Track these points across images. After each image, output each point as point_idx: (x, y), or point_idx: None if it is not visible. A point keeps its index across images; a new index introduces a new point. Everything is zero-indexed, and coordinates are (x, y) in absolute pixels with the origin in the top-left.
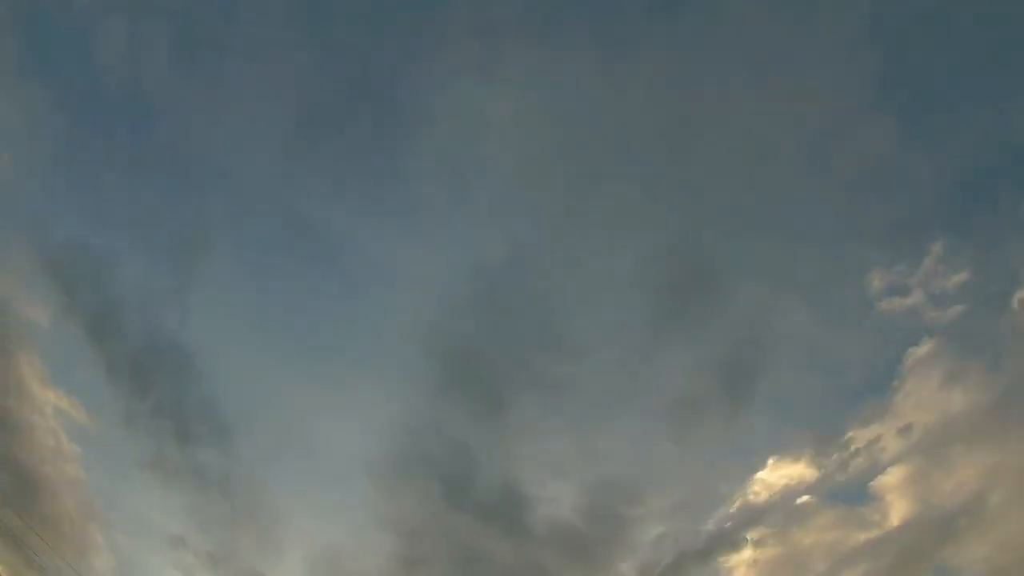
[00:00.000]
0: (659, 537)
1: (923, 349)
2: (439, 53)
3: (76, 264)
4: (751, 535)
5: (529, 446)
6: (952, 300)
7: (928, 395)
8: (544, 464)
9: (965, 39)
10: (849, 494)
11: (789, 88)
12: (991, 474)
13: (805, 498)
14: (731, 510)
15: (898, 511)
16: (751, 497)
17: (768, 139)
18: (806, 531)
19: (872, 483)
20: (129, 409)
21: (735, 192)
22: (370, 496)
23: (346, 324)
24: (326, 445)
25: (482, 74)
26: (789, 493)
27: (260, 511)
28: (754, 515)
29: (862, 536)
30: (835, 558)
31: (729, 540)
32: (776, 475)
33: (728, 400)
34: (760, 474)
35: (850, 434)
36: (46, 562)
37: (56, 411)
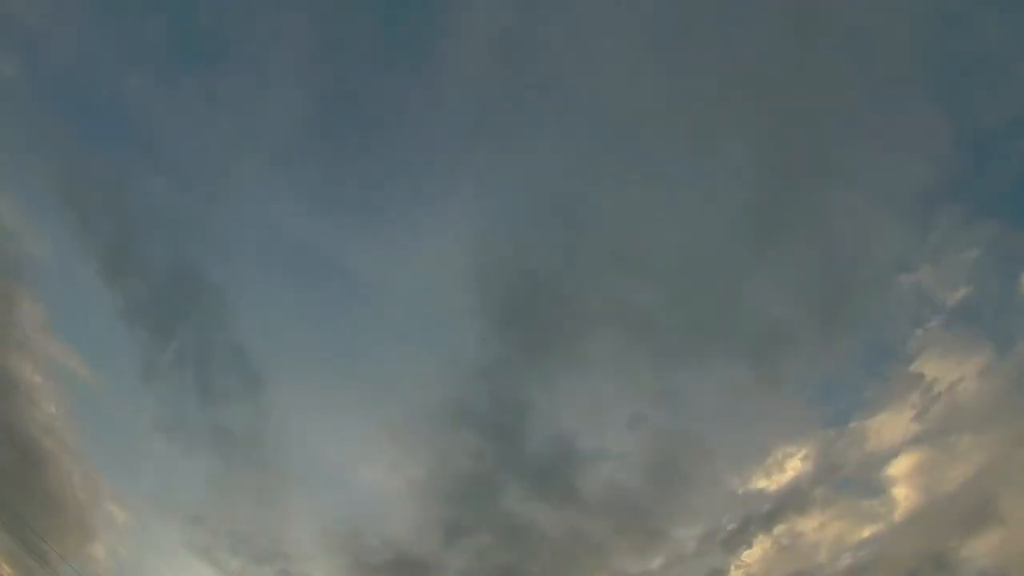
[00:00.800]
0: (727, 498)
1: None
2: None
3: (90, 184)
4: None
5: (588, 395)
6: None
7: None
8: (603, 415)
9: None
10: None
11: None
12: None
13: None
14: (810, 468)
15: None
16: (834, 453)
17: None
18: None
19: None
20: (146, 361)
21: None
22: (410, 457)
23: (391, 262)
24: (364, 400)
25: None
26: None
27: (288, 479)
28: (835, 474)
29: None
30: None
31: (806, 501)
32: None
33: (820, 337)
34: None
35: None
36: (48, 548)
37: (59, 368)
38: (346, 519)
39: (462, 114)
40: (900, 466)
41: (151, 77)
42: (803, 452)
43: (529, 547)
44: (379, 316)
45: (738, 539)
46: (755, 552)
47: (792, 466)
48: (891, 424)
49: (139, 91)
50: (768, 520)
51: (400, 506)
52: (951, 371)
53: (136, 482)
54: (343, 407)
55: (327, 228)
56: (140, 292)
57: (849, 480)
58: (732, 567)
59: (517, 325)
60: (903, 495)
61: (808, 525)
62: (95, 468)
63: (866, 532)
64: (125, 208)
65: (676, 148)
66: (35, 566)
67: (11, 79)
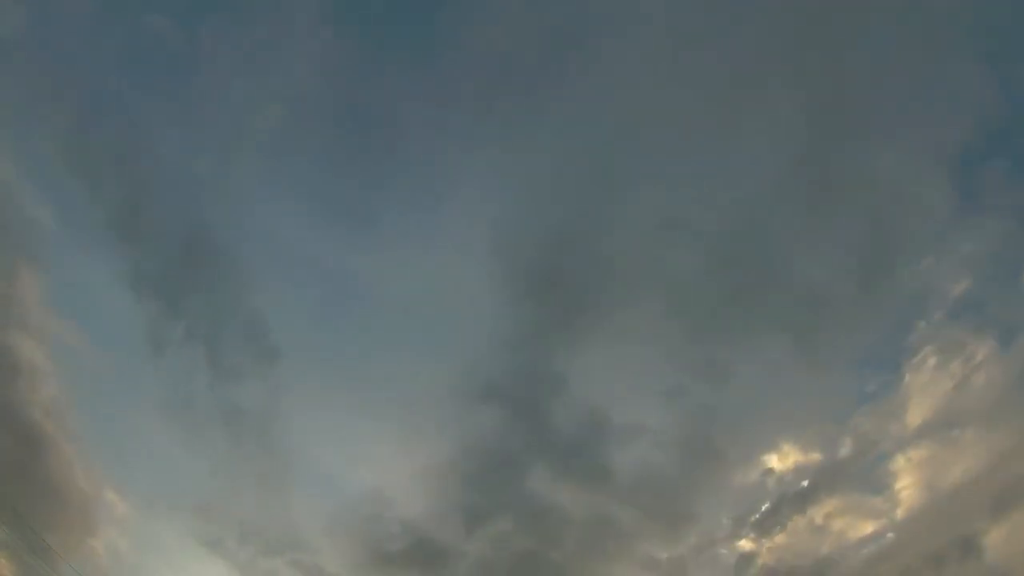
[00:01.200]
0: (761, 477)
1: None
2: None
3: (99, 143)
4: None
5: (620, 367)
6: None
7: None
8: (636, 388)
9: None
10: None
11: None
12: None
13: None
14: (846, 446)
15: None
16: (871, 427)
17: None
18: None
19: None
20: (154, 336)
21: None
22: (431, 436)
23: (413, 229)
24: (383, 377)
25: None
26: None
27: (301, 463)
28: (869, 453)
29: None
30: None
31: (839, 480)
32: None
33: (861, 306)
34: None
35: None
36: (48, 543)
37: (62, 346)
38: (362, 504)
39: (487, 71)
40: (935, 444)
41: (169, 24)
42: (839, 429)
43: (553, 533)
44: (401, 288)
45: (771, 521)
46: (788, 534)
47: (827, 444)
48: (928, 399)
49: (155, 38)
50: (802, 500)
51: (419, 490)
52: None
53: (141, 469)
54: (360, 384)
55: (350, 200)
56: (150, 260)
57: (885, 457)
58: (764, 550)
59: (547, 294)
60: (937, 475)
61: (840, 506)
62: (98, 455)
63: (898, 514)
64: (136, 168)
65: (718, 107)
66: (36, 562)
67: (17, 29)
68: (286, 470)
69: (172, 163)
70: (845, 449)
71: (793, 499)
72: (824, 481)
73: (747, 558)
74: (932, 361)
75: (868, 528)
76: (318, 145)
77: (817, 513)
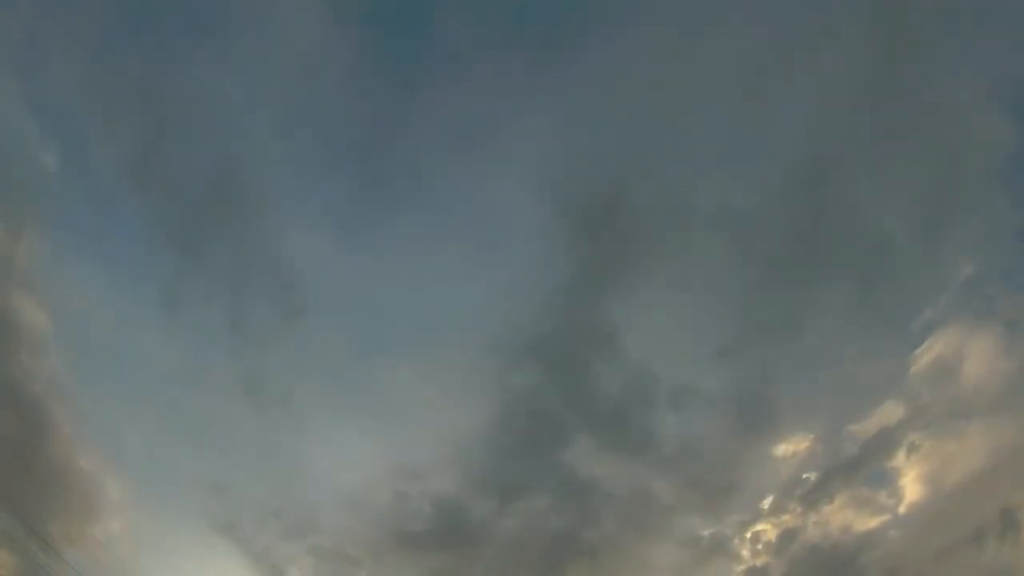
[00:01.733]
0: (811, 445)
1: None
2: None
3: (117, 77)
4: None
5: (671, 321)
6: None
7: None
8: (687, 345)
9: None
10: None
11: None
12: None
13: None
14: (900, 412)
15: None
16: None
17: None
18: None
19: None
20: (169, 296)
21: None
22: (465, 401)
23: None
24: (414, 334)
25: None
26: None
27: (324, 434)
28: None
29: None
30: None
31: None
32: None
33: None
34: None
35: None
36: (49, 529)
37: (69, 309)
38: (389, 480)
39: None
40: (991, 415)
41: None
42: (895, 393)
43: (590, 510)
44: (438, 235)
45: (818, 493)
46: (835, 507)
47: (883, 411)
48: (990, 360)
49: None
50: (852, 470)
51: (450, 463)
52: None
53: (150, 448)
54: (389, 346)
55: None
56: (168, 208)
57: (938, 425)
58: (810, 524)
59: (599, 238)
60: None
61: (893, 475)
62: (104, 433)
63: (948, 485)
64: (156, 102)
65: (782, 44)
66: (38, 552)
67: None
68: (307, 444)
69: (196, 98)
70: (898, 416)
71: (841, 469)
72: (874, 451)
73: (790, 534)
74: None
75: (916, 499)
76: (352, 77)
77: (866, 484)
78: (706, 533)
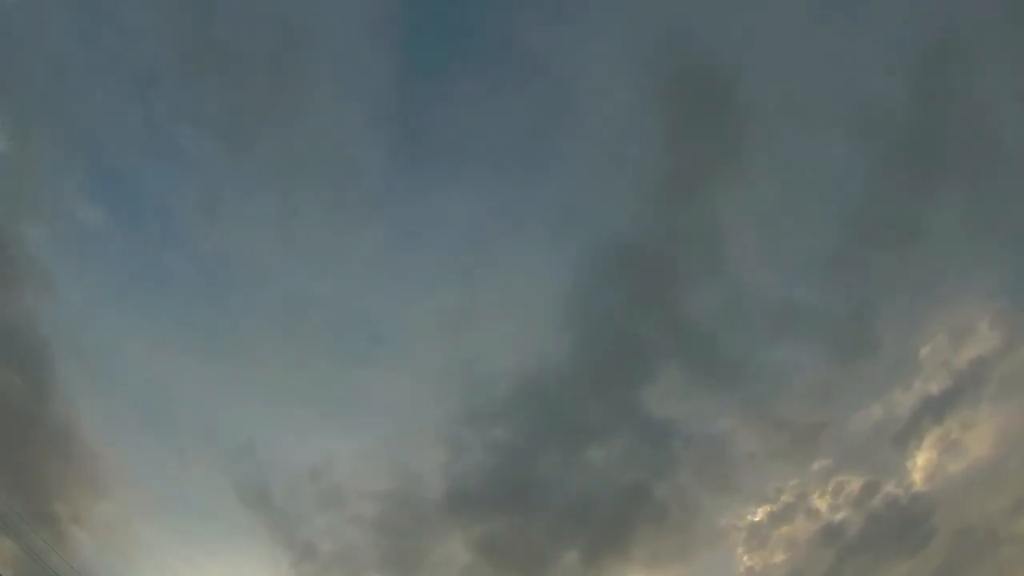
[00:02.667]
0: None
1: None
2: None
3: None
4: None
5: (777, 226)
6: None
7: None
8: (794, 255)
9: None
10: None
11: None
12: None
13: None
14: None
15: None
16: None
17: None
18: None
19: None
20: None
21: None
22: (536, 328)
23: None
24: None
25: None
26: None
27: (374, 373)
28: None
29: None
30: None
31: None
32: None
33: None
34: None
35: None
36: (54, 507)
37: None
38: (444, 426)
39: None
40: None
41: None
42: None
43: (665, 459)
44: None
45: (912, 431)
46: (923, 450)
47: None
48: None
49: None
50: (948, 406)
51: (515, 405)
52: None
53: (167, 402)
54: (448, 260)
55: None
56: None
57: None
58: (896, 471)
59: (698, 129)
60: None
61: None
62: (116, 387)
63: None
64: None
65: None
66: (40, 535)
67: None
68: (354, 383)
69: None
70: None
71: (936, 405)
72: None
73: (873, 485)
74: None
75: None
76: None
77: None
78: (790, 484)
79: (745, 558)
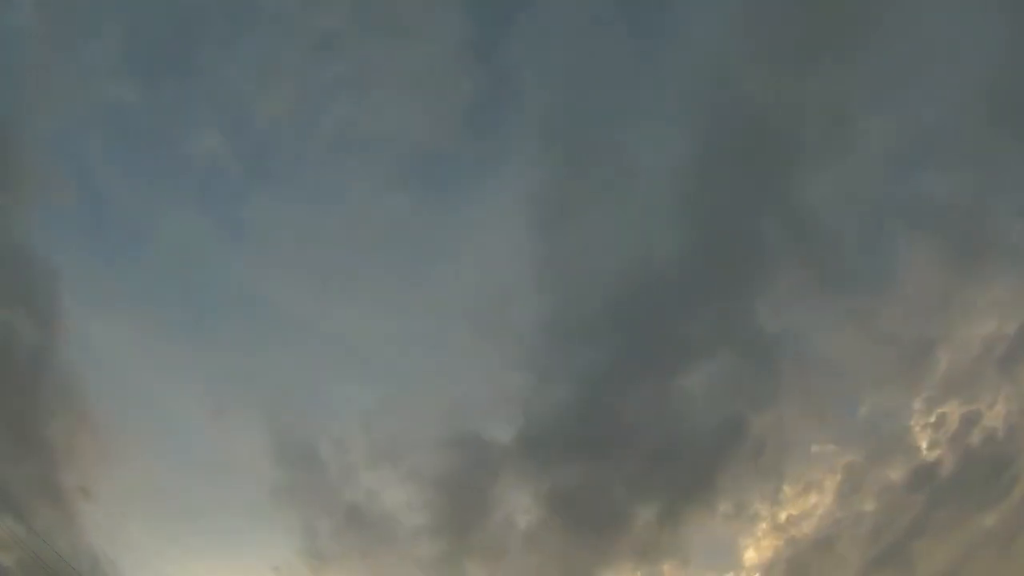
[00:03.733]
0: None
1: None
2: None
3: None
4: None
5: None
6: None
7: None
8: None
9: None
10: None
11: None
12: None
13: None
14: None
15: None
16: None
17: None
18: None
19: None
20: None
21: None
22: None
23: None
24: None
25: None
26: None
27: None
28: None
29: None
30: None
31: None
32: None
33: None
34: None
35: None
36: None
37: None
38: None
39: None
40: None
41: None
42: None
43: (770, 384)
44: None
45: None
46: None
47: None
48: None
49: None
50: None
51: (600, 320)
52: None
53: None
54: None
55: None
56: None
57: None
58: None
59: None
60: None
61: None
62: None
63: None
64: None
65: None
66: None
67: None
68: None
69: None
70: None
71: None
72: None
73: (969, 419)
74: None
75: None
76: None
77: None
78: (897, 403)
79: (836, 509)
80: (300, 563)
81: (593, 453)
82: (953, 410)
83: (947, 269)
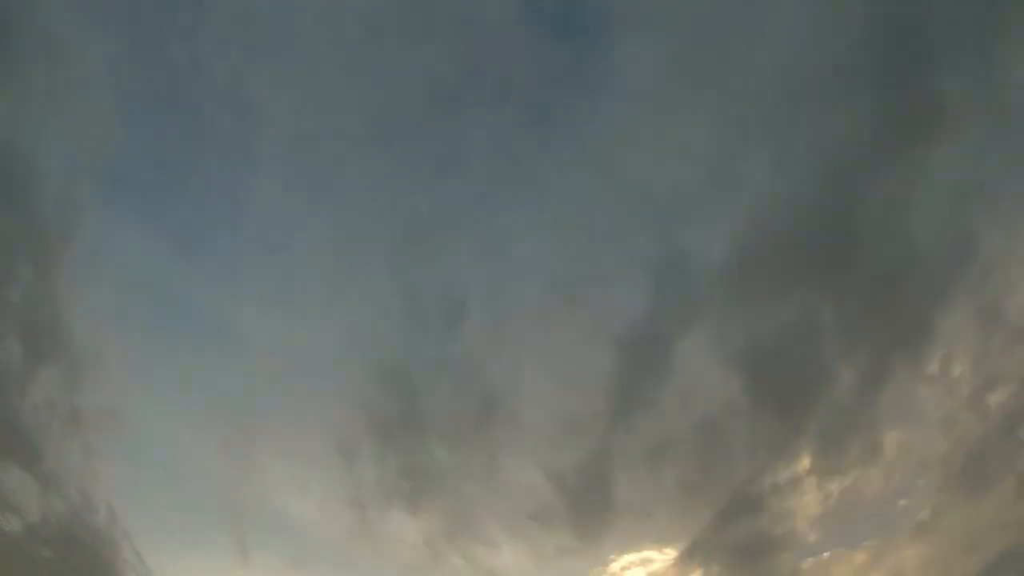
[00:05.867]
0: None
1: None
2: None
3: None
4: None
5: None
6: None
7: None
8: None
9: None
10: None
11: None
12: None
13: None
14: None
15: None
16: None
17: None
18: None
19: None
20: None
21: None
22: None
23: None
24: None
25: None
26: None
27: None
28: None
29: None
30: None
31: None
32: None
33: None
34: None
35: None
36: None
37: None
38: None
39: None
40: None
41: None
42: None
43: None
44: None
45: None
46: None
47: None
48: None
49: None
50: None
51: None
52: None
53: None
54: None
55: None
56: None
57: None
58: None
59: None
60: None
61: None
62: None
63: None
64: None
65: None
66: None
67: None
68: None
69: None
70: None
71: None
72: None
73: None
74: None
75: None
76: None
77: None
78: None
79: None
80: None
81: (814, 280)
82: None
83: None
